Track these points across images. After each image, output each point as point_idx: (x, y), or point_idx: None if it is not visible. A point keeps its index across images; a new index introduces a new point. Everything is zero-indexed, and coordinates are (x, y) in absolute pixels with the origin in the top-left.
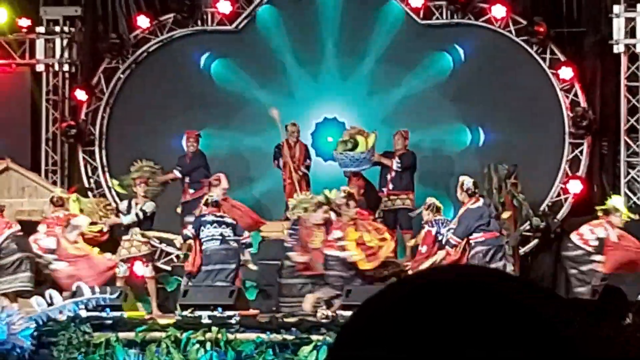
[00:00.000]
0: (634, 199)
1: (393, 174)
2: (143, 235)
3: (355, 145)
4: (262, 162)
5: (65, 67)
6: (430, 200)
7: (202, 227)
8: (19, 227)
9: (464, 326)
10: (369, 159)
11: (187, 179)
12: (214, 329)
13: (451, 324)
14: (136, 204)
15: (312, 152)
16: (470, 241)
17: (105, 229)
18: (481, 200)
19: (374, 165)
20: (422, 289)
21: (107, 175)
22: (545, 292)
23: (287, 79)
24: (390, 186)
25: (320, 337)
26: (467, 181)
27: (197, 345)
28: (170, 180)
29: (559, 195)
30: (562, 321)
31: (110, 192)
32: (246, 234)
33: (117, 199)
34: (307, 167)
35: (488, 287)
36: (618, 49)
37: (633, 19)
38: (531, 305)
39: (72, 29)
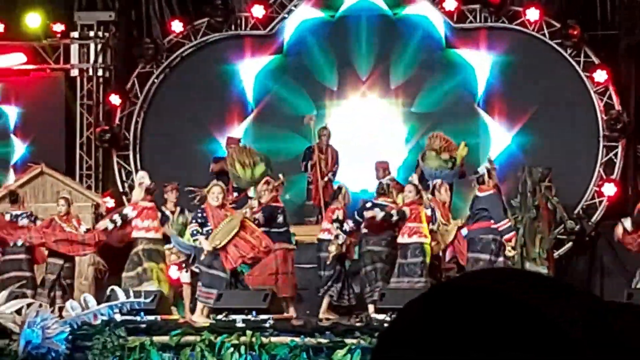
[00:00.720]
0: None
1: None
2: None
3: (453, 164)
4: (292, 166)
5: (100, 72)
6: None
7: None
8: None
9: (481, 333)
10: (458, 172)
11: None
12: (248, 332)
13: (475, 331)
14: (171, 212)
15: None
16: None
17: None
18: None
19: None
20: (457, 295)
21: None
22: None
23: (318, 84)
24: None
25: (354, 341)
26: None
27: (232, 349)
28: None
29: (593, 198)
30: (569, 322)
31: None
32: None
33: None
34: (334, 173)
35: (510, 295)
36: None
37: None
38: (550, 314)
39: (106, 34)
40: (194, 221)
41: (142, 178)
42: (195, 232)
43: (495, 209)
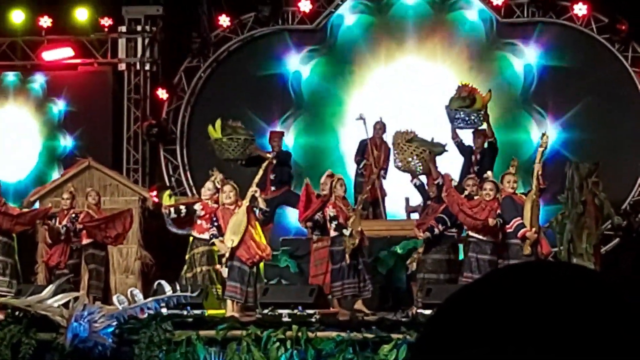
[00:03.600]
0: None
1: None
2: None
3: (473, 102)
4: (341, 160)
5: (147, 66)
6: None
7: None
8: None
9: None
10: (481, 118)
11: (271, 176)
12: (294, 327)
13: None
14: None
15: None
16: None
17: None
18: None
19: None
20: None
21: (188, 173)
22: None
23: (365, 78)
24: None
25: (400, 336)
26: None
27: (277, 344)
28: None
29: None
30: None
31: (191, 190)
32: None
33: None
34: (386, 170)
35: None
36: None
37: None
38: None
39: (154, 28)
40: (212, 225)
41: (216, 178)
42: (212, 236)
43: (508, 213)
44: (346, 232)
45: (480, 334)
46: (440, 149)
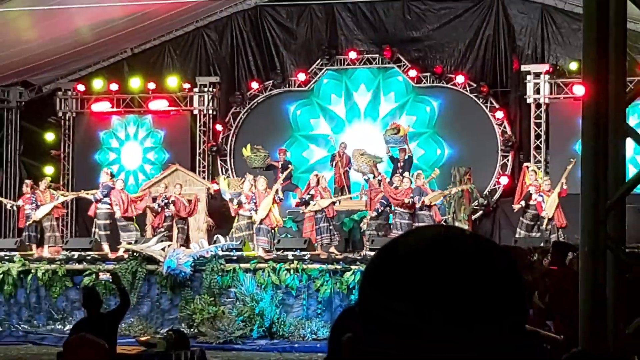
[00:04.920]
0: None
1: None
2: None
3: (398, 132)
4: (321, 164)
5: (210, 111)
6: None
7: None
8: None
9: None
10: (403, 141)
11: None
12: (295, 262)
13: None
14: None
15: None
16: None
17: None
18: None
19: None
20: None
21: (233, 174)
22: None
23: (336, 118)
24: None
25: (356, 267)
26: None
27: (285, 271)
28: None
29: (494, 185)
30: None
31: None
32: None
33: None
34: (348, 170)
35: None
36: (528, 100)
37: (538, 83)
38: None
39: (214, 89)
40: (252, 202)
41: (251, 180)
42: (252, 209)
43: (418, 196)
44: (314, 207)
45: (402, 289)
46: (379, 159)
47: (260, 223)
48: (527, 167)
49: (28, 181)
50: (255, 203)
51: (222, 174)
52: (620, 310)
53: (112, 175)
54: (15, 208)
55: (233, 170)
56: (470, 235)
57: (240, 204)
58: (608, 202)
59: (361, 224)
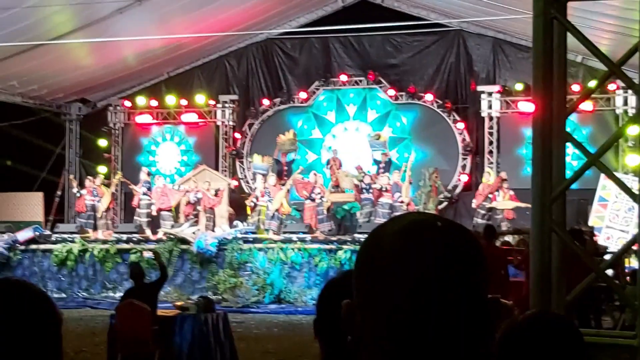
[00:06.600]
0: None
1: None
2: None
3: (379, 138)
4: (320, 166)
5: (231, 123)
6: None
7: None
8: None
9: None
10: (383, 146)
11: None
12: (299, 242)
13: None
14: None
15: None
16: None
17: None
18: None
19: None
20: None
21: (249, 174)
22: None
23: (329, 127)
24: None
25: (347, 247)
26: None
27: (291, 250)
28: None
29: (457, 181)
30: None
31: (252, 182)
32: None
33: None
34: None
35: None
36: (483, 114)
37: (490, 101)
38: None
39: (233, 105)
40: (266, 195)
41: (261, 180)
42: (268, 201)
43: (395, 191)
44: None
45: (391, 259)
46: (360, 176)
47: (275, 211)
48: (489, 173)
49: (90, 177)
50: (269, 194)
51: (239, 173)
52: (562, 282)
53: (150, 174)
54: (78, 194)
55: (249, 170)
56: (440, 218)
57: (266, 178)
58: (552, 194)
59: (353, 212)
